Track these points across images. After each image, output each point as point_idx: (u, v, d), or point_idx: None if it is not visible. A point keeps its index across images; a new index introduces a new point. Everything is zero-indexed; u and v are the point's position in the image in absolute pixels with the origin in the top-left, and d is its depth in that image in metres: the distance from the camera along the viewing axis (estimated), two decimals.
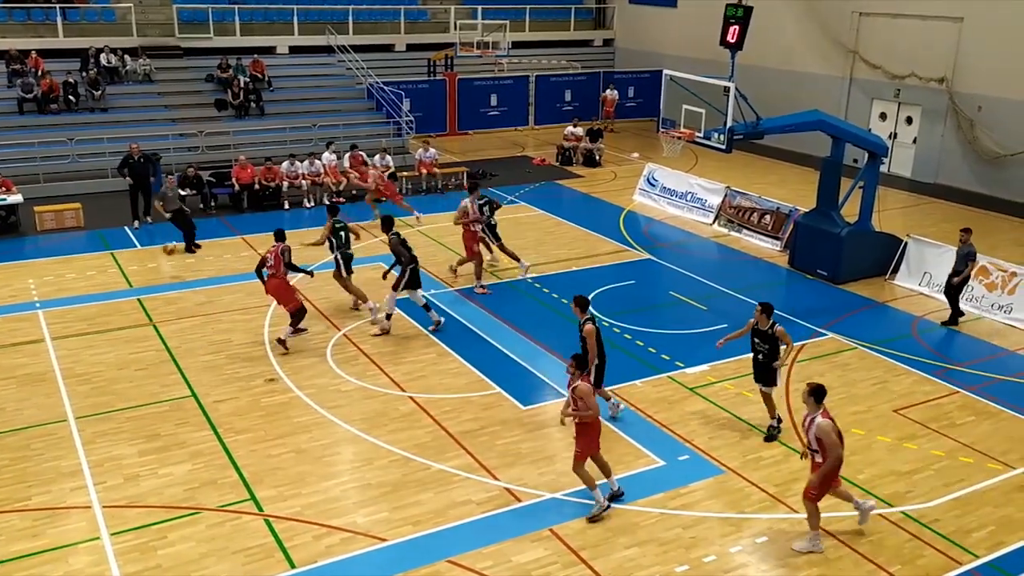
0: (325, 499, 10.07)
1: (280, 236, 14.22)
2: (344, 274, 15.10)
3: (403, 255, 14.21)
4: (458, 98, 30.60)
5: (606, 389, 11.83)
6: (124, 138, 22.81)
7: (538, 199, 22.91)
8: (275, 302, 14.52)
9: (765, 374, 11.45)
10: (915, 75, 25.10)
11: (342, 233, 15.01)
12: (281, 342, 13.79)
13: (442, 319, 14.76)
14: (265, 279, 13.92)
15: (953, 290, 15.31)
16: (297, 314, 13.96)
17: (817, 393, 9.06)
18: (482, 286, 16.25)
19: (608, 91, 32.26)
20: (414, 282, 14.32)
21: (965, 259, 15.17)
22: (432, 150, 23.83)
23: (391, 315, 14.48)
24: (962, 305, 15.51)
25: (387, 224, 14.66)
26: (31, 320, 14.81)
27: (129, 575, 8.78)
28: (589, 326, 11.25)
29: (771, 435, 11.54)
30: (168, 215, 18.04)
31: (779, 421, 11.66)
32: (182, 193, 20.96)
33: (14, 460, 10.70)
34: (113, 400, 12.21)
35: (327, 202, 22.06)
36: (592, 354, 11.16)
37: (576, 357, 9.89)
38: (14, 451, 10.89)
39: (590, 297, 15.97)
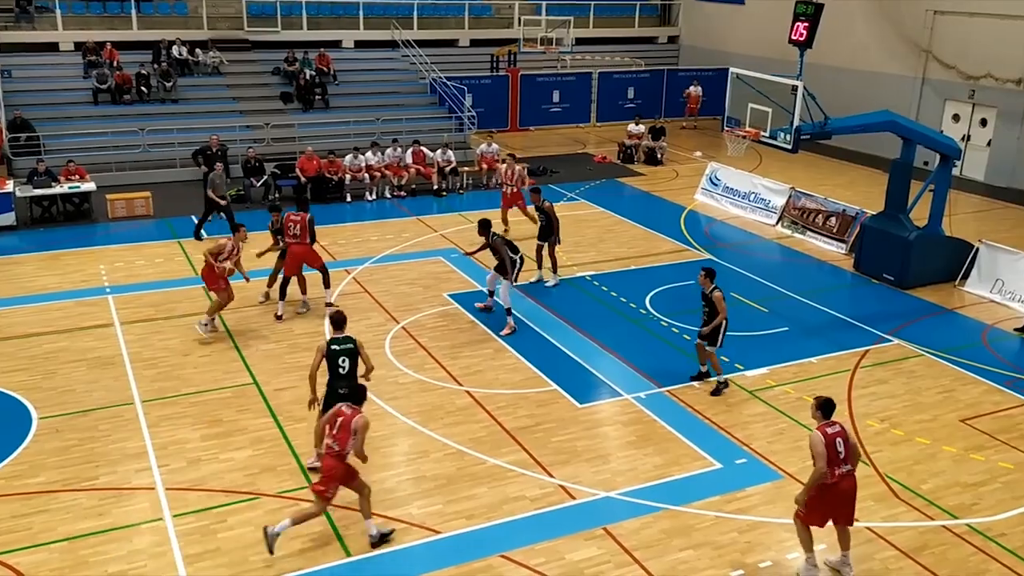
0: (381, 490, 10.14)
1: (304, 207, 14.93)
2: None
3: (507, 256, 14.15)
4: (520, 94, 30.61)
5: None
6: (194, 129, 23.39)
7: (599, 196, 22.81)
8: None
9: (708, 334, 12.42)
10: (991, 76, 24.33)
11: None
12: (331, 305, 14.75)
13: (492, 306, 15.13)
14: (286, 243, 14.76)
15: None
16: (324, 270, 15.04)
17: (825, 408, 8.63)
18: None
19: (692, 87, 32.10)
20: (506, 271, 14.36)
21: None
22: (495, 145, 23.87)
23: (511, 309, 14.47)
24: None
25: (484, 227, 14.48)
26: (101, 305, 15.25)
27: (190, 556, 8.98)
28: None
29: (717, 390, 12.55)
30: (223, 201, 18.33)
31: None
32: (247, 181, 21.40)
33: (83, 440, 11.03)
34: (178, 385, 12.51)
35: (389, 196, 22.35)
36: None
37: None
38: (83, 431, 11.23)
39: (649, 295, 16.01)
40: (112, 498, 9.91)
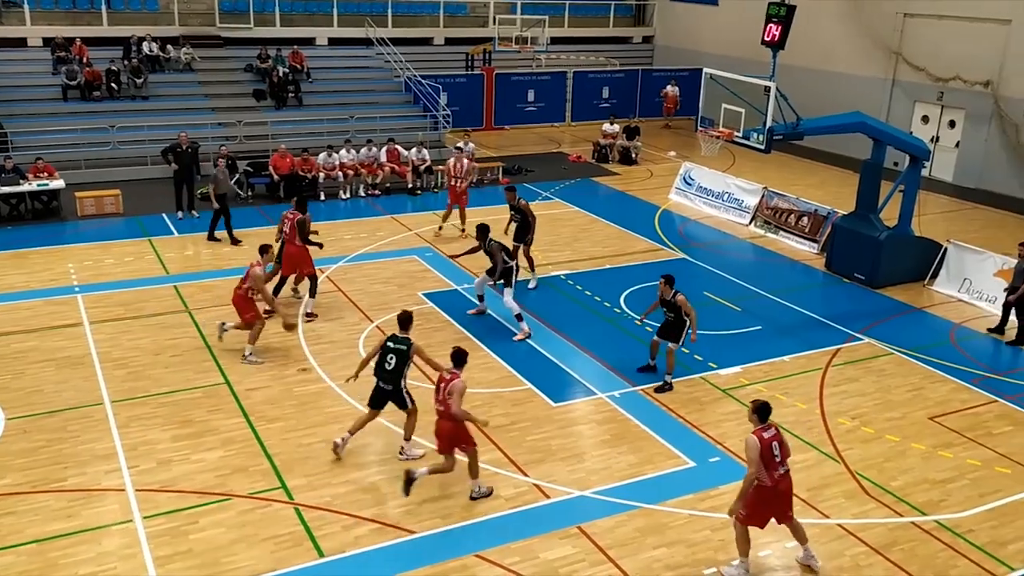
0: (355, 489, 10.13)
1: (301, 208, 14.83)
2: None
3: (500, 262, 14.19)
4: (495, 93, 30.60)
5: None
6: (164, 126, 23.15)
7: (573, 196, 22.86)
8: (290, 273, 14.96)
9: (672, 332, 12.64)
10: (959, 78, 24.65)
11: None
12: (310, 316, 14.64)
13: (485, 309, 15.08)
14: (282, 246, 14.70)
15: (1010, 307, 14.92)
16: (313, 279, 14.77)
17: (761, 412, 8.62)
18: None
19: (670, 87, 32.33)
20: (500, 276, 14.35)
21: (1023, 275, 14.61)
22: (471, 144, 23.82)
23: (520, 315, 14.38)
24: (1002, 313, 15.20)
25: (483, 232, 14.44)
26: (70, 304, 15.05)
27: (160, 558, 8.89)
28: None
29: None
30: (216, 204, 17.99)
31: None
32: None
33: (51, 441, 10.89)
34: (148, 385, 12.38)
35: (363, 194, 22.26)
36: None
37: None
38: (52, 432, 11.08)
39: (624, 294, 16.07)
40: (81, 500, 9.78)
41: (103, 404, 11.82)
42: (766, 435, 8.55)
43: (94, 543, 9.09)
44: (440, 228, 19.29)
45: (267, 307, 13.71)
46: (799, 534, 8.98)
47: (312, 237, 15.02)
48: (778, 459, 8.56)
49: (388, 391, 10.54)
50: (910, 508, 10.16)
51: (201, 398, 12.09)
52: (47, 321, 14.35)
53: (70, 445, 10.82)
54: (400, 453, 10.75)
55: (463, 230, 19.18)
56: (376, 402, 10.70)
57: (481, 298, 15.01)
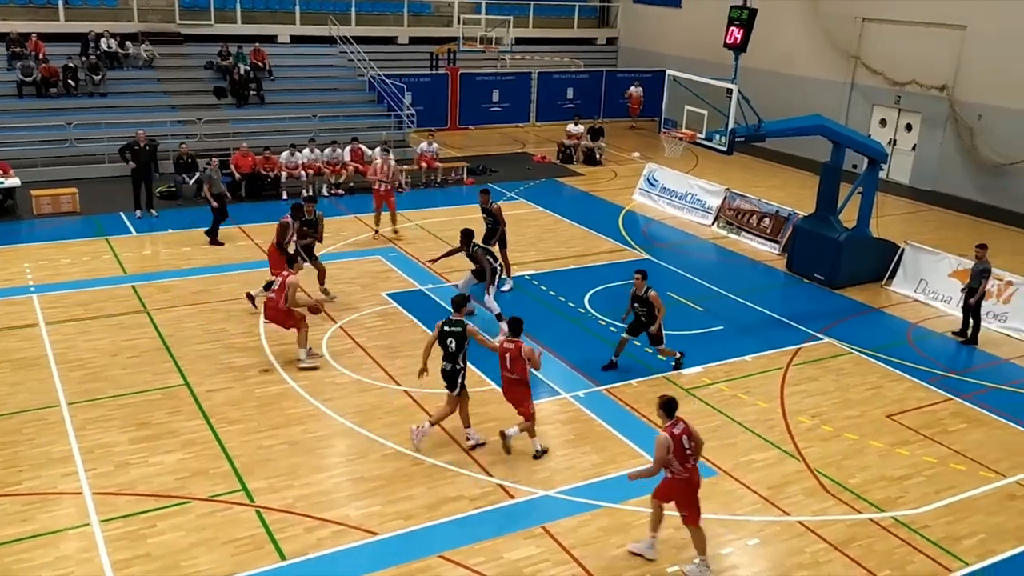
0: (317, 491, 10.04)
1: (296, 213, 15.15)
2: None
3: (488, 265, 14.42)
4: (460, 93, 30.55)
5: None
6: (122, 124, 22.79)
7: (538, 196, 22.90)
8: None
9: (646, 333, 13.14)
10: (916, 82, 25.11)
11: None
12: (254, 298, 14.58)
13: (474, 310, 15.02)
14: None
15: (971, 309, 15.04)
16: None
17: (667, 407, 8.79)
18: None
19: (634, 88, 32.49)
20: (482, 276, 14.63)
21: (980, 276, 14.85)
22: (435, 144, 23.77)
23: (501, 314, 14.36)
24: (957, 315, 15.47)
25: (467, 238, 14.54)
26: (26, 304, 14.76)
27: (118, 562, 8.75)
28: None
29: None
30: (215, 203, 17.82)
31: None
32: (179, 178, 20.90)
33: (5, 444, 10.66)
34: (106, 387, 12.17)
35: (326, 194, 22.09)
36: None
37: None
38: (6, 435, 10.85)
39: (588, 295, 16.13)
40: (37, 503, 9.59)
41: (59, 406, 11.60)
42: (676, 430, 8.69)
43: (51, 547, 8.91)
44: (376, 232, 19.05)
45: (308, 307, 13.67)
46: (659, 522, 9.13)
47: (305, 242, 15.19)
48: (689, 452, 8.72)
49: (447, 370, 10.85)
50: (868, 505, 10.31)
51: (160, 399, 11.91)
52: (2, 322, 14.05)
53: (25, 448, 10.60)
54: (414, 432, 11.05)
55: (396, 231, 19.08)
56: (451, 385, 10.94)
57: (468, 297, 14.99)
